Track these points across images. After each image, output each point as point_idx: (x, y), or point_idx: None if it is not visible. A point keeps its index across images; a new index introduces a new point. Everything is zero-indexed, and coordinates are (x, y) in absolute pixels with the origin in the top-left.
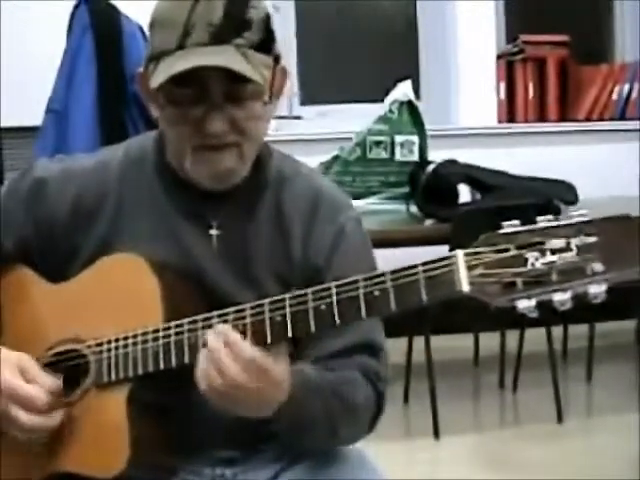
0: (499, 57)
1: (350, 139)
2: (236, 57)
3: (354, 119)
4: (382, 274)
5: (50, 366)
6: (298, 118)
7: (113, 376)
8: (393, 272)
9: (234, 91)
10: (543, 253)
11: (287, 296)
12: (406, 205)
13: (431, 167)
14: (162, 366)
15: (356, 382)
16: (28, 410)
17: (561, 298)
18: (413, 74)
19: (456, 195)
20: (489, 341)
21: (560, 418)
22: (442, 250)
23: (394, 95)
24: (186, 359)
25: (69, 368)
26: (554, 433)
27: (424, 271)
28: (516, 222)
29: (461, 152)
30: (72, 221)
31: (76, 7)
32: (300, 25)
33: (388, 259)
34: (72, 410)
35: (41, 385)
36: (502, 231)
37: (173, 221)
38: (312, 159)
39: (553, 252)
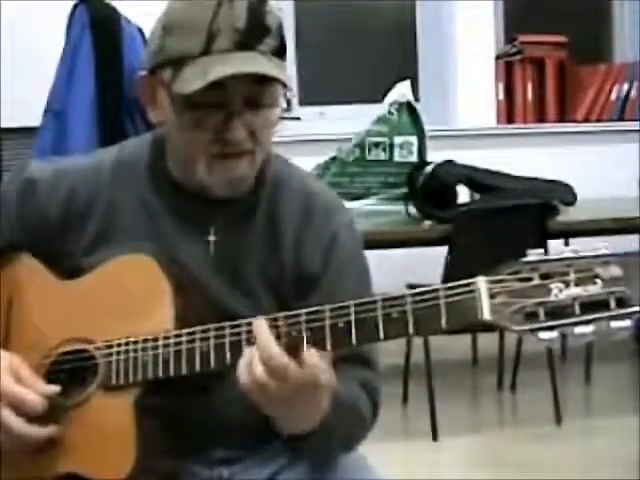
0: (498, 58)
1: (348, 140)
2: (266, 64)
3: (352, 120)
4: (402, 296)
5: (56, 365)
6: (296, 119)
7: (122, 379)
8: (414, 295)
9: (254, 97)
10: (567, 284)
11: (303, 311)
12: (405, 206)
13: (430, 168)
14: (172, 373)
15: (360, 395)
16: (21, 414)
17: (582, 331)
18: (412, 75)
19: (455, 196)
20: (487, 342)
21: (559, 419)
22: (441, 251)
23: (393, 96)
24: (197, 367)
25: (74, 369)
26: (552, 434)
27: (445, 296)
28: (540, 251)
29: (460, 153)
30: (63, 221)
31: (75, 6)
32: (299, 25)
33: (387, 260)
34: (76, 411)
35: (35, 389)
36: (526, 259)
37: (167, 226)
38: (310, 160)
39: (577, 284)
